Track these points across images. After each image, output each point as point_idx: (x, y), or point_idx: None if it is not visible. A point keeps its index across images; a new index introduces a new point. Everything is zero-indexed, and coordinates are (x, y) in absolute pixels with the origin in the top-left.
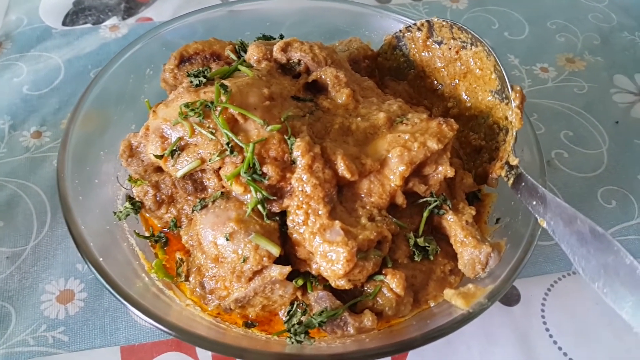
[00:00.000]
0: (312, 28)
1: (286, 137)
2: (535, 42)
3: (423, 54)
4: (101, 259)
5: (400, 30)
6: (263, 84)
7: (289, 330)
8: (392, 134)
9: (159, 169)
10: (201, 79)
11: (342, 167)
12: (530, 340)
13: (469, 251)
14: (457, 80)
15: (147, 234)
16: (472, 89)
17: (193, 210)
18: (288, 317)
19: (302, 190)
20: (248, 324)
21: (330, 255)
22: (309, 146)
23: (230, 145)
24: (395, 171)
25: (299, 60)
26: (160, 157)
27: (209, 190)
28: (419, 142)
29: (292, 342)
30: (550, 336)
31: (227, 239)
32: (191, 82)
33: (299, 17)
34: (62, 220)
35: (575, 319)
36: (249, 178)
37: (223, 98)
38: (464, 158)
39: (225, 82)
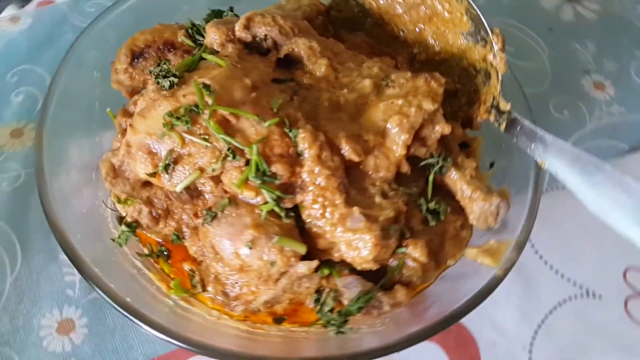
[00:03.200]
0: None
1: (286, 130)
2: None
3: (380, 1)
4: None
5: None
6: (241, 73)
7: (325, 320)
8: (384, 101)
9: (147, 184)
10: (172, 79)
11: (348, 151)
12: None
13: (479, 205)
14: (422, 25)
15: (146, 252)
16: (441, 33)
17: (204, 223)
18: (320, 307)
19: (315, 184)
20: (278, 320)
21: (355, 244)
22: (314, 135)
23: (230, 149)
24: (398, 141)
25: (265, 36)
26: (153, 174)
27: (206, 195)
28: (414, 106)
29: (336, 334)
30: (536, 252)
31: (250, 248)
32: (158, 83)
33: None
34: (35, 248)
35: (560, 236)
36: (260, 182)
37: (209, 100)
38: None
39: (206, 80)
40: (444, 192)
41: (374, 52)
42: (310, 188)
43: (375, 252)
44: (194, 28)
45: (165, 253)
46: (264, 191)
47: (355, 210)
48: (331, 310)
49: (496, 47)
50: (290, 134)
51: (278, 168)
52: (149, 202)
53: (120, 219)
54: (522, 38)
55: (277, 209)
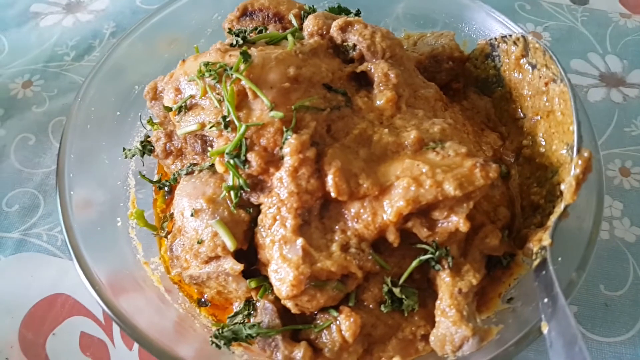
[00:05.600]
0: (407, 10)
1: (285, 129)
2: None
3: (514, 73)
4: (72, 192)
5: (495, 38)
6: (294, 62)
7: (221, 326)
8: (413, 159)
9: None
10: (239, 39)
11: (330, 183)
12: None
13: (446, 324)
14: (539, 117)
15: (155, 178)
16: (550, 134)
17: (180, 173)
18: (234, 314)
19: (278, 193)
20: (200, 302)
21: (280, 272)
22: (302, 147)
23: (227, 119)
24: (394, 204)
25: (354, 45)
26: (170, 109)
27: None
28: (433, 180)
29: (211, 344)
30: None
31: (192, 215)
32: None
33: None
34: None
35: None
36: (230, 161)
37: (242, 67)
38: (518, 211)
39: (253, 50)
40: (432, 292)
41: (488, 124)
42: (273, 195)
43: (290, 292)
44: (308, 12)
45: (167, 188)
46: (230, 171)
47: (300, 241)
48: (241, 323)
49: (573, 171)
50: (284, 135)
51: (253, 157)
52: (169, 135)
53: (145, 139)
54: None
55: (232, 194)
